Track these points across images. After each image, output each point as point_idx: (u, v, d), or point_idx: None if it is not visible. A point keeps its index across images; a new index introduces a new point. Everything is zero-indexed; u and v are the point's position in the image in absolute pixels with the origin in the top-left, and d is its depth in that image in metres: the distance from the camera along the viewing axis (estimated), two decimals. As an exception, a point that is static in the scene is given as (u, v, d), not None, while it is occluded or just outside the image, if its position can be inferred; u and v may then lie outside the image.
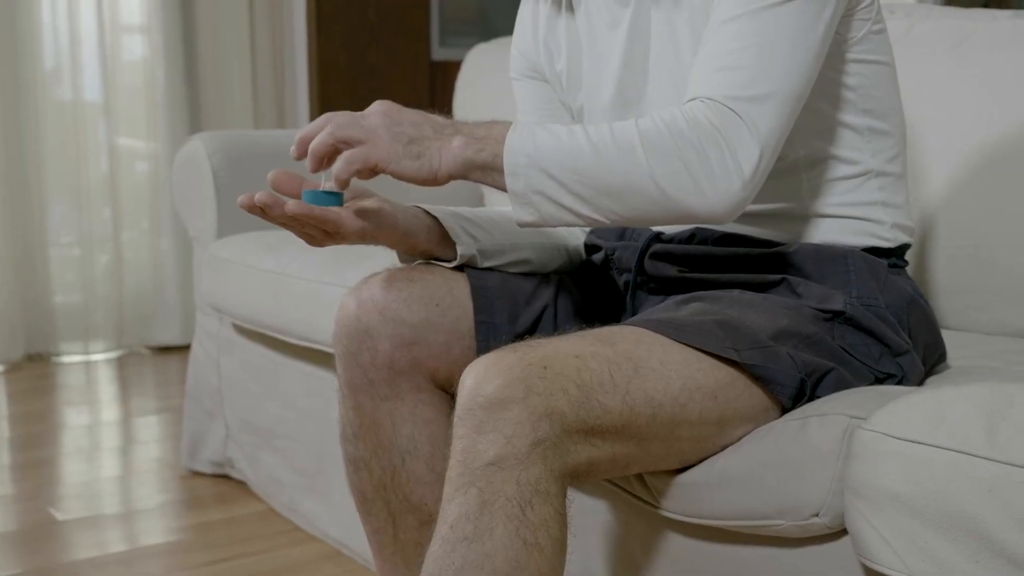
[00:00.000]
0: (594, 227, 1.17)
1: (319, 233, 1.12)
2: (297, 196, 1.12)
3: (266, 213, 1.07)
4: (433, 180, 1.07)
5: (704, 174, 1.03)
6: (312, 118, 3.79)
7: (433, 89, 4.00)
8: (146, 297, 3.63)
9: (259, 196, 1.06)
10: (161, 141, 3.56)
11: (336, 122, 1.06)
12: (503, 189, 1.07)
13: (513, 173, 1.05)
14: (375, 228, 1.13)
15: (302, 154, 1.09)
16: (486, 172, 1.07)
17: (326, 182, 1.11)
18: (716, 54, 1.07)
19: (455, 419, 0.97)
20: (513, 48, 1.41)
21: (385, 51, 3.88)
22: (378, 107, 1.07)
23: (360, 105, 4.11)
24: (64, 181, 3.47)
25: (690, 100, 1.07)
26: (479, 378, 0.95)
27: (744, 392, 1.06)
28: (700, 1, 1.15)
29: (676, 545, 1.18)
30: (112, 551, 1.96)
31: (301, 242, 1.95)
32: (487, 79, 2.62)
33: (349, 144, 1.06)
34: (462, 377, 0.97)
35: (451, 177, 1.07)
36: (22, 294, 3.42)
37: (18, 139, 3.37)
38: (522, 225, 1.08)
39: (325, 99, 3.78)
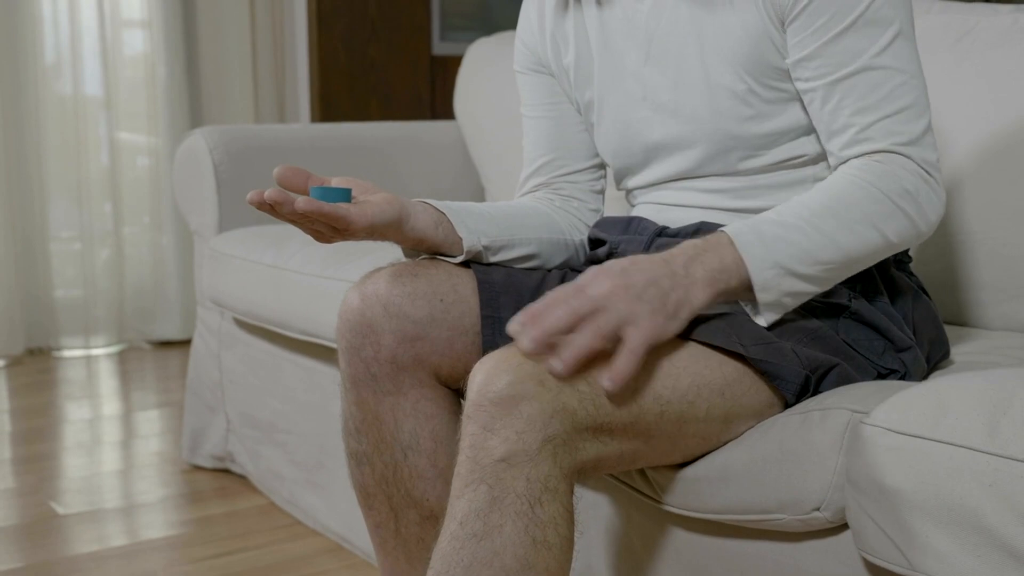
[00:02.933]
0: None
1: (327, 229, 1.12)
2: (304, 191, 1.12)
3: (275, 210, 1.07)
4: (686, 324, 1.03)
5: (923, 217, 1.12)
6: (313, 112, 3.79)
7: (434, 84, 3.99)
8: (147, 292, 3.63)
9: (269, 193, 1.06)
10: (162, 136, 3.56)
11: (575, 303, 0.95)
12: (745, 300, 1.08)
13: (764, 288, 1.05)
14: (383, 225, 1.13)
15: (538, 347, 0.94)
16: (733, 294, 1.06)
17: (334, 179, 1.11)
18: (862, 109, 1.12)
19: (464, 415, 0.96)
20: (517, 41, 1.40)
21: (386, 46, 3.88)
22: (606, 280, 0.97)
23: (360, 100, 4.09)
24: (64, 176, 3.47)
25: (871, 152, 1.13)
26: (489, 374, 0.95)
27: (750, 388, 1.07)
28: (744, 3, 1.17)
29: (677, 539, 1.19)
30: (113, 545, 1.96)
31: (302, 236, 1.96)
32: (488, 74, 2.62)
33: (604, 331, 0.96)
34: (472, 373, 0.97)
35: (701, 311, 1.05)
36: (23, 288, 3.42)
37: (18, 133, 3.37)
38: (768, 326, 1.09)
39: (326, 93, 3.78)
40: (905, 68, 1.12)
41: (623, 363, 0.95)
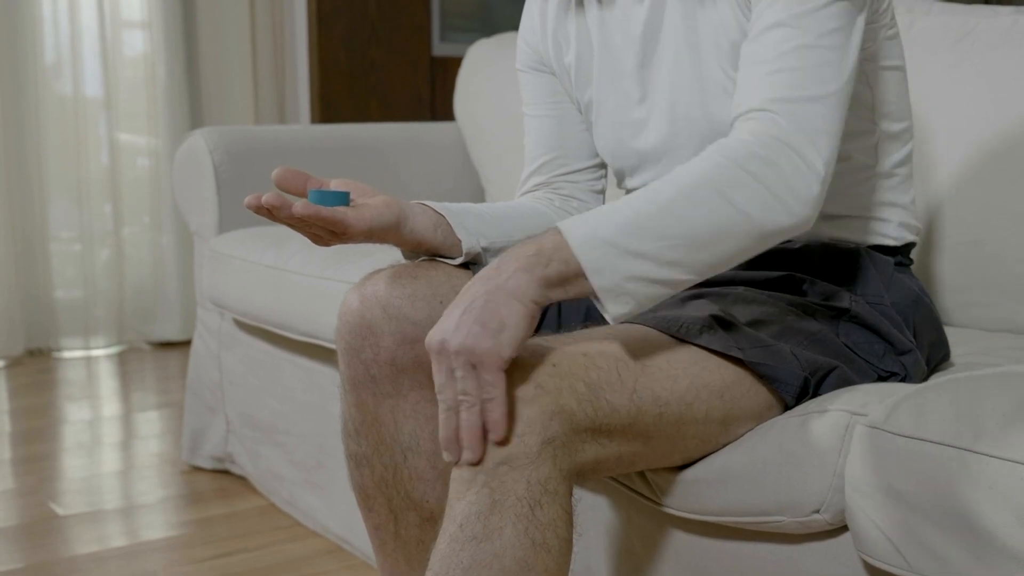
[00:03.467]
0: (685, 288, 1.02)
1: (326, 233, 1.12)
2: (302, 194, 1.12)
3: (273, 214, 1.07)
4: (532, 320, 0.94)
5: (783, 186, 0.98)
6: (313, 113, 3.80)
7: (434, 85, 3.99)
8: (147, 292, 3.63)
9: (266, 198, 1.06)
10: (162, 136, 3.56)
11: (442, 398, 0.94)
12: (588, 294, 0.97)
13: (596, 269, 0.94)
14: (381, 228, 1.13)
15: (455, 455, 0.94)
16: (564, 285, 0.95)
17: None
18: (763, 60, 1.04)
19: None
20: (520, 40, 1.41)
21: (386, 47, 3.88)
22: (432, 346, 0.94)
23: (360, 101, 4.10)
24: (64, 176, 3.47)
25: (742, 114, 1.04)
26: None
27: (749, 391, 1.07)
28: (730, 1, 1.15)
29: (677, 541, 1.19)
30: (113, 546, 1.96)
31: (302, 238, 1.96)
32: (488, 75, 2.62)
33: (476, 368, 0.93)
34: None
35: (539, 304, 0.95)
36: (23, 289, 3.42)
37: (18, 134, 3.37)
38: (618, 321, 0.97)
39: (326, 94, 3.78)
40: (824, 35, 1.03)
41: (491, 413, 0.92)
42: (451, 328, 0.92)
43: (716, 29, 1.17)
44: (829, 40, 1.03)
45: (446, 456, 0.95)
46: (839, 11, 1.05)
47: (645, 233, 0.95)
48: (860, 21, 1.07)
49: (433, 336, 0.94)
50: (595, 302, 0.98)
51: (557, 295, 0.96)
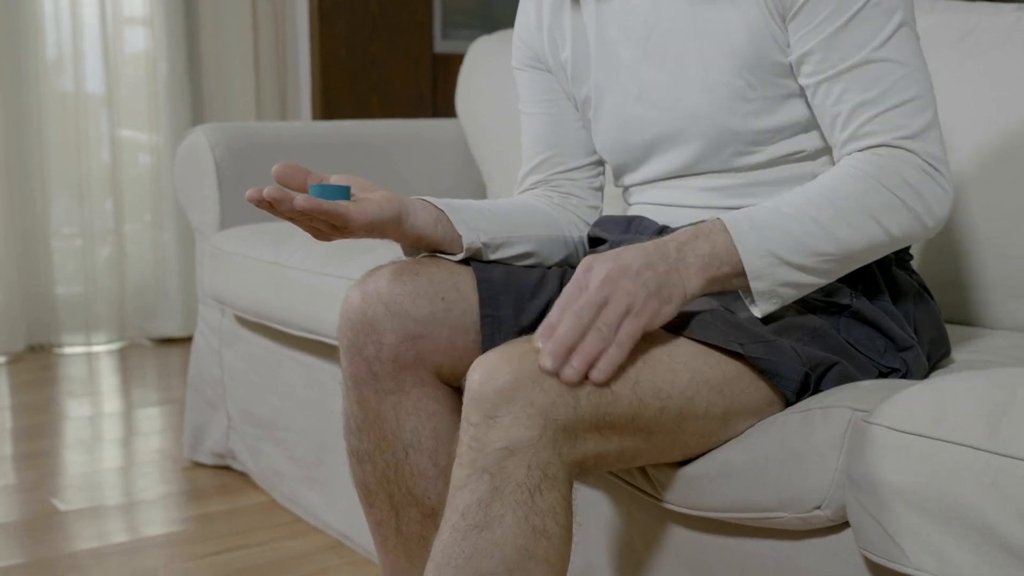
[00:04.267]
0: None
1: (326, 227, 1.12)
2: (303, 189, 1.12)
3: (274, 208, 1.07)
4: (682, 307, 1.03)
5: (926, 211, 1.09)
6: (314, 110, 3.80)
7: (435, 82, 3.99)
8: (148, 289, 3.63)
9: (267, 191, 1.06)
10: (163, 133, 3.56)
11: (579, 305, 0.97)
12: (740, 289, 1.07)
13: (758, 276, 1.04)
14: (382, 222, 1.13)
15: (557, 363, 0.96)
16: (726, 281, 1.05)
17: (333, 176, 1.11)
18: (863, 103, 1.11)
19: (464, 410, 0.97)
20: (515, 37, 1.40)
21: (387, 43, 3.88)
22: (601, 268, 0.99)
23: (361, 98, 4.10)
24: (66, 173, 3.47)
25: (875, 146, 1.11)
26: (489, 369, 0.96)
27: (750, 386, 1.07)
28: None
29: (678, 537, 1.19)
30: (114, 542, 1.96)
31: (303, 234, 1.96)
32: (490, 71, 2.62)
33: (607, 319, 0.98)
34: (471, 369, 0.98)
35: (695, 298, 1.04)
36: (24, 285, 3.42)
37: (20, 130, 3.37)
38: (763, 317, 1.08)
39: (327, 91, 3.78)
40: (908, 61, 1.11)
41: (612, 357, 0.97)
42: (630, 269, 0.98)
43: (722, 29, 1.17)
44: (915, 63, 1.12)
45: (546, 359, 0.95)
46: (907, 31, 1.12)
47: (807, 250, 1.05)
48: (915, 28, 1.14)
49: (607, 262, 0.99)
50: (744, 297, 1.08)
51: (710, 290, 1.04)
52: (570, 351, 0.96)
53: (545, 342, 0.96)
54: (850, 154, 1.13)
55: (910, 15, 1.13)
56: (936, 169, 1.10)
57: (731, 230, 1.04)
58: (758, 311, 1.07)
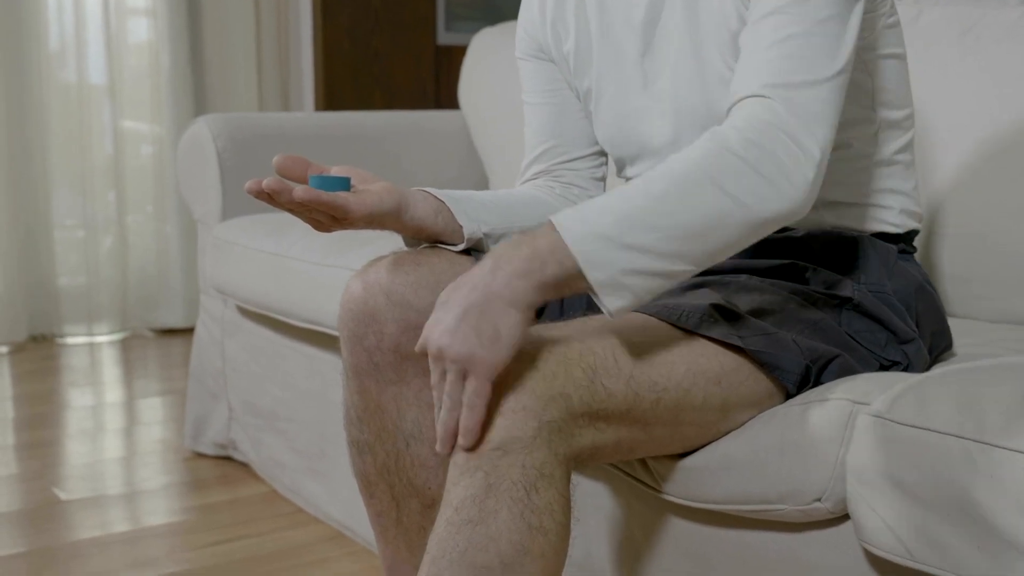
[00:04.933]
0: (683, 279, 1.00)
1: (326, 218, 1.12)
2: (303, 180, 1.12)
3: (273, 199, 1.07)
4: (527, 325, 0.95)
5: (777, 172, 0.97)
6: (317, 101, 3.79)
7: (438, 74, 3.99)
8: (150, 279, 3.63)
9: (267, 182, 1.06)
10: (166, 124, 3.56)
11: (435, 396, 0.97)
12: (585, 291, 0.96)
13: (592, 264, 0.93)
14: (382, 214, 1.13)
15: (451, 442, 0.96)
16: (560, 286, 0.95)
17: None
18: (757, 47, 1.03)
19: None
20: (519, 28, 1.40)
21: (390, 35, 3.88)
22: (432, 348, 0.95)
23: (364, 89, 4.08)
24: (68, 164, 3.47)
25: (737, 101, 1.03)
26: None
27: (748, 378, 1.07)
28: None
29: (678, 529, 1.19)
30: (115, 531, 1.97)
31: (305, 225, 1.96)
32: (493, 63, 2.62)
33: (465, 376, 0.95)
34: None
35: (535, 307, 0.95)
36: (26, 276, 3.42)
37: (22, 121, 3.37)
38: (616, 315, 0.95)
39: (330, 83, 3.78)
40: (821, 21, 1.02)
41: (466, 420, 0.94)
42: (448, 334, 0.93)
43: (716, 19, 1.17)
44: (825, 27, 1.02)
45: (438, 447, 0.97)
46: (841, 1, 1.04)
47: (640, 225, 0.94)
48: (858, 9, 1.06)
49: (431, 339, 0.95)
50: (593, 297, 0.96)
51: (553, 296, 0.96)
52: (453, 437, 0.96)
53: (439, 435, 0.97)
54: (728, 109, 1.05)
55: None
56: (801, 124, 0.98)
57: (555, 223, 0.94)
58: (607, 309, 0.95)
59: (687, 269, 0.97)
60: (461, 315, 0.93)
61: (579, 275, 0.94)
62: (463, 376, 0.94)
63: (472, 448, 0.94)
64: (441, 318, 0.95)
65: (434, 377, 0.96)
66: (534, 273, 0.93)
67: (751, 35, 1.06)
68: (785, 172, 0.97)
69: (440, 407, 0.96)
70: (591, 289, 0.95)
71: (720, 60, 1.18)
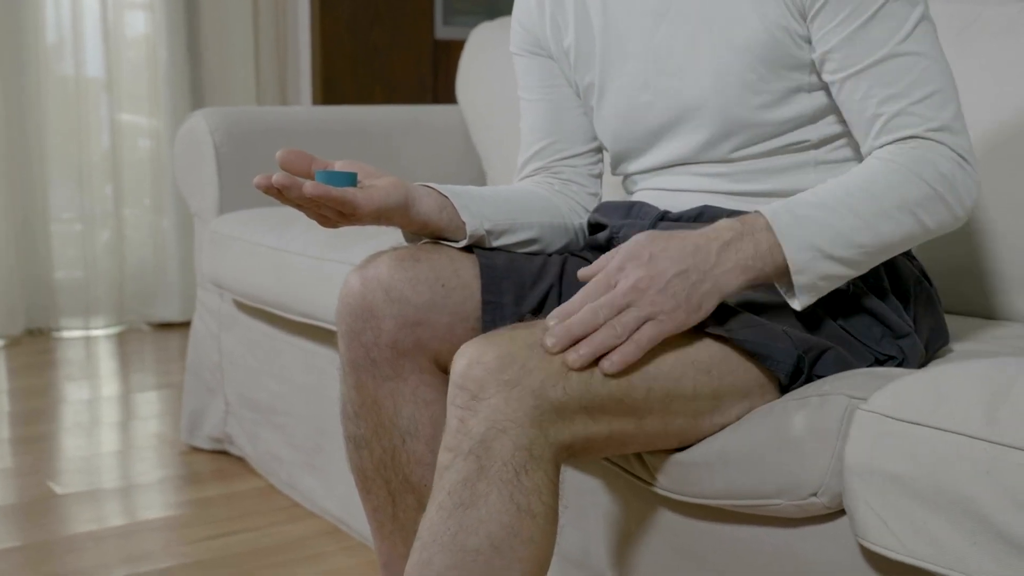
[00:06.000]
0: None
1: (333, 214, 1.12)
2: (307, 175, 1.12)
3: (282, 195, 1.07)
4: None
5: (959, 203, 1.11)
6: (315, 95, 3.79)
7: (436, 68, 3.99)
8: (147, 273, 3.63)
9: (276, 178, 1.05)
10: (163, 117, 3.56)
11: (599, 303, 0.98)
12: (778, 283, 1.08)
13: (801, 270, 1.04)
14: (389, 210, 1.13)
15: (559, 347, 0.97)
16: (766, 279, 1.06)
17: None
18: (890, 97, 1.12)
19: (450, 394, 0.98)
20: (514, 22, 1.39)
21: (388, 29, 3.87)
22: (632, 273, 0.99)
23: (362, 83, 4.08)
24: (66, 157, 3.47)
25: (906, 137, 1.11)
26: (476, 353, 0.96)
27: (739, 367, 1.07)
28: None
29: (673, 524, 1.19)
30: (111, 525, 1.97)
31: (303, 219, 1.95)
32: (491, 58, 2.61)
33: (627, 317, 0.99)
34: (457, 354, 0.99)
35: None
36: (23, 269, 3.42)
37: (20, 114, 3.37)
38: (802, 309, 1.08)
39: (328, 77, 3.77)
40: (929, 53, 1.12)
41: (627, 352, 0.98)
42: (661, 280, 0.99)
43: (735, 21, 1.17)
44: (937, 55, 1.13)
45: (549, 339, 0.97)
46: (928, 24, 1.13)
47: (846, 242, 1.06)
48: (933, 22, 1.15)
49: (639, 268, 0.99)
50: (782, 291, 1.08)
51: (749, 287, 1.05)
52: (576, 340, 0.97)
53: (556, 324, 0.98)
54: (882, 147, 1.13)
55: (927, 8, 1.13)
56: (966, 160, 1.11)
57: (774, 226, 1.04)
58: (798, 304, 1.07)
59: (860, 272, 1.10)
60: (680, 273, 1.00)
61: (785, 275, 1.05)
62: (644, 319, 0.98)
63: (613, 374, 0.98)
64: (658, 263, 0.99)
65: (616, 298, 0.98)
66: (752, 271, 1.03)
67: (870, 81, 1.12)
68: (963, 203, 1.12)
69: (592, 312, 0.97)
70: (786, 286, 1.07)
71: (735, 58, 1.17)
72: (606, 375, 0.98)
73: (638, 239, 1.01)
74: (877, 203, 1.07)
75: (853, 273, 1.08)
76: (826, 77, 1.16)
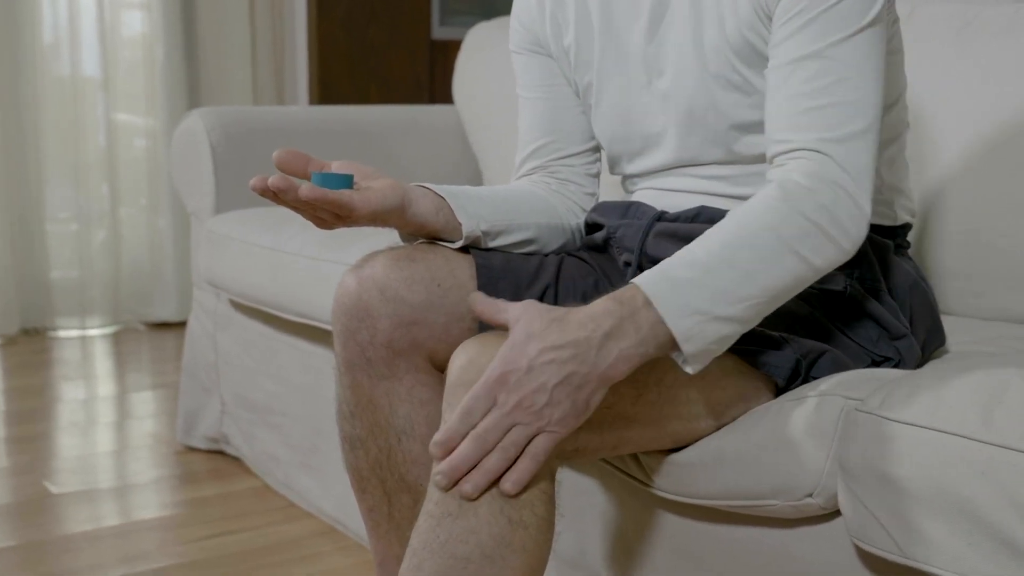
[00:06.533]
0: None
1: (330, 216, 1.11)
2: (304, 175, 1.12)
3: (278, 197, 1.06)
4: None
5: (843, 235, 1.04)
6: (311, 95, 3.78)
7: (433, 68, 3.98)
8: (143, 273, 3.62)
9: (273, 180, 1.05)
10: (159, 117, 3.55)
11: (483, 428, 0.94)
12: (669, 355, 1.00)
13: (687, 339, 0.97)
14: (386, 211, 1.13)
15: (446, 453, 0.94)
16: (654, 357, 0.98)
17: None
18: (801, 93, 1.07)
19: (446, 391, 0.97)
20: (514, 20, 1.39)
21: (385, 29, 3.87)
22: (515, 392, 0.94)
23: (359, 83, 4.07)
24: (62, 157, 3.46)
25: (790, 152, 1.07)
26: (471, 356, 0.96)
27: (734, 372, 1.07)
28: None
29: (670, 525, 1.19)
30: (107, 525, 1.97)
31: (299, 219, 1.95)
32: (487, 58, 2.61)
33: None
34: (454, 355, 0.98)
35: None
36: (19, 269, 3.41)
37: (16, 114, 3.36)
38: (694, 372, 1.00)
39: (325, 76, 3.77)
40: (858, 65, 1.06)
41: (524, 469, 0.94)
42: (546, 394, 0.93)
43: (724, 21, 1.17)
44: (865, 69, 1.06)
45: (440, 480, 0.94)
46: (871, 36, 1.07)
47: (730, 298, 0.98)
48: (880, 35, 1.09)
49: (518, 388, 0.93)
50: (674, 358, 1.00)
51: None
52: (465, 472, 0.94)
53: (439, 454, 0.94)
54: (776, 156, 1.09)
55: (879, 25, 1.09)
56: (853, 181, 1.04)
57: (652, 299, 0.96)
58: (691, 370, 1.00)
59: (754, 325, 1.02)
60: (562, 381, 0.93)
61: (673, 347, 0.98)
62: (533, 433, 0.94)
63: (514, 495, 0.94)
64: (538, 372, 0.93)
65: (497, 418, 0.93)
66: (636, 357, 0.96)
67: (785, 78, 1.07)
68: (848, 233, 1.03)
69: (475, 443, 0.93)
70: (678, 356, 0.99)
71: (718, 58, 1.17)
72: (509, 496, 0.94)
73: (516, 337, 0.95)
74: (754, 250, 1.00)
75: (746, 328, 1.01)
76: (766, 73, 1.13)
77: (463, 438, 0.94)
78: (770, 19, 1.13)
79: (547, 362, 0.93)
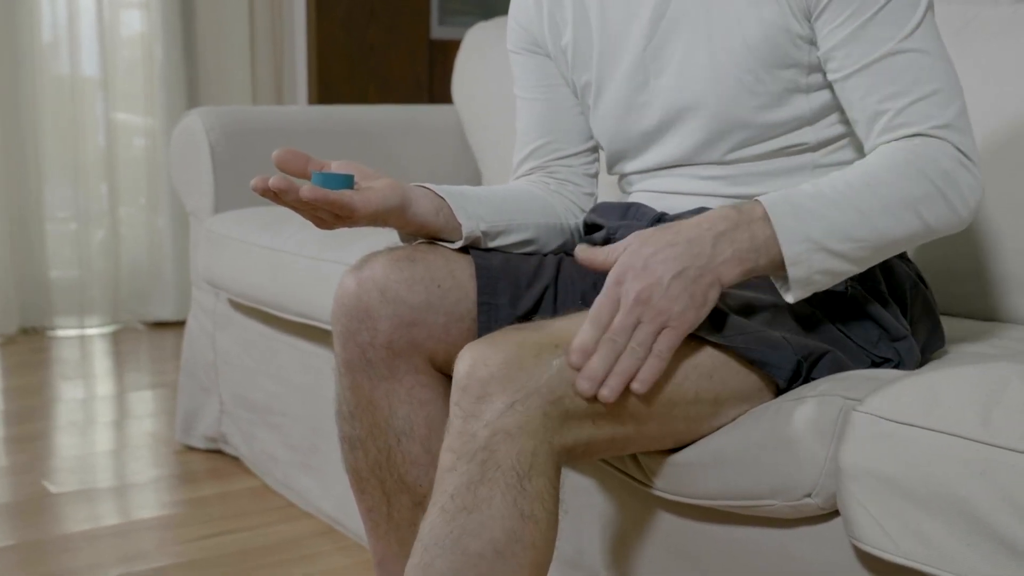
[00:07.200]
0: None
1: (330, 216, 1.11)
2: (304, 175, 1.12)
3: (279, 197, 1.06)
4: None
5: (961, 202, 1.09)
6: (310, 95, 3.78)
7: (432, 68, 3.98)
8: (142, 272, 3.62)
9: (273, 181, 1.05)
10: (159, 116, 3.55)
11: (612, 331, 0.98)
12: (774, 275, 1.06)
13: (795, 263, 1.02)
14: (386, 212, 1.13)
15: (584, 358, 0.98)
16: (762, 271, 1.04)
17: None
18: (892, 95, 1.11)
19: (453, 396, 0.97)
20: (511, 20, 1.39)
21: (384, 29, 3.87)
22: (633, 286, 0.98)
23: (358, 83, 4.07)
24: (61, 156, 3.46)
25: (911, 135, 1.10)
26: (479, 356, 0.96)
27: (739, 372, 1.07)
28: None
29: (668, 524, 1.19)
30: (105, 524, 1.97)
31: (299, 218, 1.95)
32: (486, 58, 2.61)
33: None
34: (460, 356, 0.98)
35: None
36: (18, 268, 3.41)
37: (15, 113, 3.36)
38: (794, 302, 1.06)
39: (324, 76, 3.77)
40: (932, 50, 1.11)
41: (653, 368, 0.99)
42: (662, 287, 0.98)
43: (733, 22, 1.17)
44: (940, 50, 1.12)
45: (583, 385, 0.97)
46: (932, 18, 1.12)
47: (846, 236, 1.04)
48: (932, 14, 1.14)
49: (637, 279, 0.98)
50: (776, 283, 1.06)
51: (745, 279, 1.03)
52: (604, 376, 0.98)
53: (578, 361, 0.97)
54: (886, 143, 1.12)
55: (931, 6, 1.13)
56: (969, 158, 1.10)
57: (771, 216, 1.02)
58: (791, 297, 1.05)
59: (859, 270, 1.08)
60: (678, 274, 0.98)
61: (780, 267, 1.03)
62: (657, 328, 0.98)
63: (639, 396, 1.00)
64: (654, 268, 0.98)
65: (625, 319, 0.97)
66: (749, 263, 1.01)
67: (871, 78, 1.12)
68: (966, 202, 1.10)
69: (609, 346, 0.97)
70: (781, 280, 1.05)
71: (732, 59, 1.17)
72: (638, 395, 0.99)
73: (630, 245, 1.00)
74: (878, 198, 1.05)
75: (852, 269, 1.06)
76: (830, 76, 1.15)
77: (596, 343, 0.97)
78: (808, 19, 1.14)
79: (662, 259, 0.99)
